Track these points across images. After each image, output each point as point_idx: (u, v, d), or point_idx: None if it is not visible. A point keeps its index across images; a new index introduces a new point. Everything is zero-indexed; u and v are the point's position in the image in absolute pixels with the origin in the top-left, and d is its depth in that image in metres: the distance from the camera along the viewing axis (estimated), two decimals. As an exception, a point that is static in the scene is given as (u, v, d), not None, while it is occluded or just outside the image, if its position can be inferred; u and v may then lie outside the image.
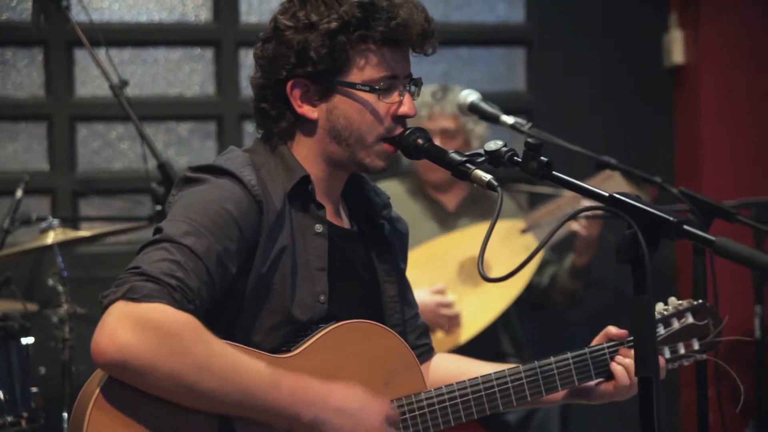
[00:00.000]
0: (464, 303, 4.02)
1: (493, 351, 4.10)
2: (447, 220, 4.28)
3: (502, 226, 3.95)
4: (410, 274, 2.45)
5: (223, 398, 1.93)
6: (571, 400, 2.35)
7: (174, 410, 1.94)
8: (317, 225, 2.19)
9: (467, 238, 4.11)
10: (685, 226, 1.86)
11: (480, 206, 4.30)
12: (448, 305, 3.96)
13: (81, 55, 4.48)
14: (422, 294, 3.79)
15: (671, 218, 1.85)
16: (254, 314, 2.10)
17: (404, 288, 2.39)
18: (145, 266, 1.93)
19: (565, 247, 4.23)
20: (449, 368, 2.39)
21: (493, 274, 1.97)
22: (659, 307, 2.36)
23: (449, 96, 4.16)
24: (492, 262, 3.83)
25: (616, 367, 2.29)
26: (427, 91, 4.12)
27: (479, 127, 4.18)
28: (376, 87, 2.16)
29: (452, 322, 3.97)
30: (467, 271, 4.07)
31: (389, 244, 2.35)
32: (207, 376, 1.90)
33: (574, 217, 1.99)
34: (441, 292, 3.96)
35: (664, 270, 4.79)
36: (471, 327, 4.01)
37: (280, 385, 1.96)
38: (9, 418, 3.18)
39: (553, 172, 2.05)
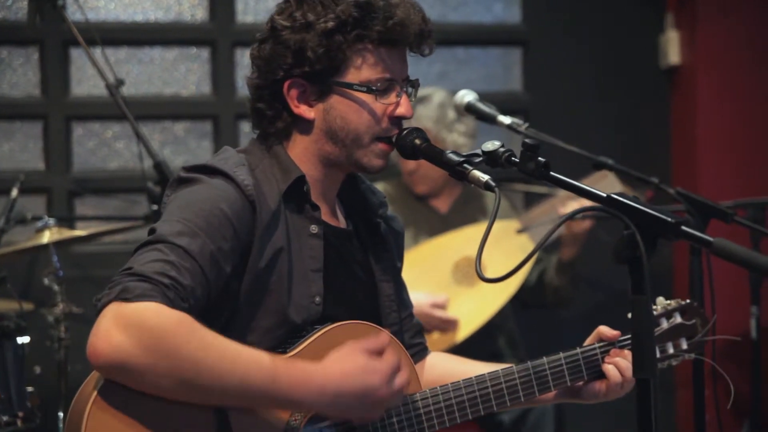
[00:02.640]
0: (459, 303, 4.01)
1: (489, 350, 4.10)
2: (440, 222, 4.27)
3: (496, 226, 3.89)
4: (405, 275, 2.44)
5: (222, 391, 1.92)
6: (564, 400, 2.37)
7: (172, 409, 1.94)
8: (312, 226, 2.18)
9: (461, 239, 4.10)
10: (684, 227, 1.86)
11: (471, 207, 4.30)
12: (442, 306, 3.96)
13: (77, 55, 4.47)
14: (418, 295, 3.79)
15: (670, 219, 1.85)
16: (250, 315, 2.10)
17: (400, 287, 2.39)
18: (137, 266, 1.93)
19: (553, 244, 4.23)
20: (443, 368, 2.40)
21: (489, 275, 1.97)
22: None
23: (426, 102, 4.14)
24: (487, 263, 3.83)
25: (607, 367, 2.29)
26: None
27: (453, 135, 4.14)
28: (373, 87, 2.16)
29: (445, 326, 3.96)
30: (462, 272, 4.07)
31: (385, 243, 2.35)
32: (205, 371, 1.89)
33: (571, 217, 1.99)
34: (442, 306, 3.96)
35: (661, 271, 4.79)
36: (466, 327, 4.01)
37: (278, 376, 1.94)
38: (4, 418, 3.17)
39: (551, 173, 2.06)
